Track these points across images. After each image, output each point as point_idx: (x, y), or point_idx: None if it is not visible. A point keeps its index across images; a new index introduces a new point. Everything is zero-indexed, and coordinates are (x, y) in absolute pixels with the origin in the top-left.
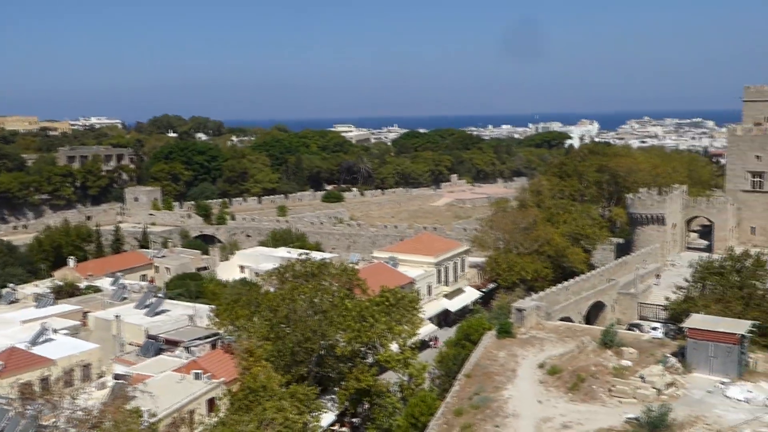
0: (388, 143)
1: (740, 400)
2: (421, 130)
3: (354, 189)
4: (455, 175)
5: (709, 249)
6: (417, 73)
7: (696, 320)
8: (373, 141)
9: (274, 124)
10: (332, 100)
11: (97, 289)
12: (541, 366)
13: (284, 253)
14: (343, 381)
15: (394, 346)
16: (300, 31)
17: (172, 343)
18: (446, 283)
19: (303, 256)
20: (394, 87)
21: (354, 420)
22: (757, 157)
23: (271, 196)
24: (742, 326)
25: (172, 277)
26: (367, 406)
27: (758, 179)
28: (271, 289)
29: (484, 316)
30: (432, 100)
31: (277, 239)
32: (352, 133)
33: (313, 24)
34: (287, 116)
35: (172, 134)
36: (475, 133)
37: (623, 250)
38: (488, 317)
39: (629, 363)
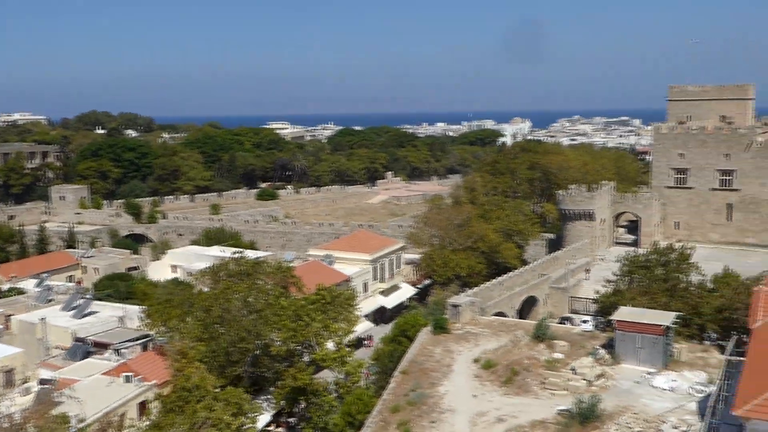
0: (324, 141)
1: (665, 389)
2: (357, 128)
3: (289, 187)
4: (390, 172)
5: (635, 243)
6: (355, 71)
7: (623, 313)
8: (308, 138)
9: (207, 121)
10: (267, 96)
11: (20, 291)
12: (476, 361)
13: (218, 252)
14: (279, 381)
15: (330, 345)
16: (236, 26)
17: (101, 346)
18: (382, 280)
19: (237, 255)
20: (331, 84)
21: (290, 420)
22: (681, 154)
23: (204, 195)
24: (667, 318)
25: (101, 278)
26: (303, 405)
27: (682, 176)
28: (205, 289)
29: (420, 312)
30: (368, 97)
31: (211, 238)
32: (287, 130)
33: (252, 19)
34: (220, 113)
35: (100, 131)
36: (410, 130)
37: (554, 246)
38: (424, 313)
39: (561, 356)
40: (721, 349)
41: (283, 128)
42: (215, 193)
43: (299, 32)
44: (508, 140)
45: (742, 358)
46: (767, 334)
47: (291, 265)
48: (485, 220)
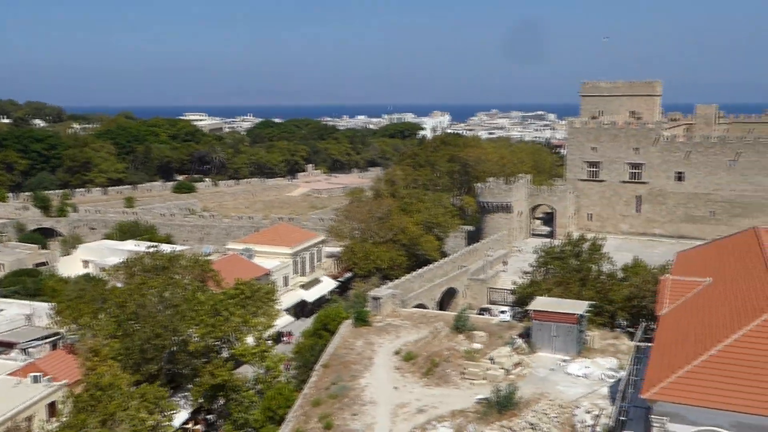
0: (242, 133)
1: (579, 376)
2: (276, 120)
3: (207, 179)
4: (311, 165)
5: (551, 235)
6: (275, 61)
7: (539, 303)
8: (226, 130)
9: (120, 111)
10: (184, 87)
11: None
12: (397, 353)
13: (132, 246)
14: (196, 377)
15: (250, 339)
16: (152, 13)
17: (7, 345)
18: (303, 274)
19: (152, 249)
20: (251, 75)
21: (209, 417)
22: (593, 148)
23: (118, 187)
24: (580, 307)
25: (7, 274)
26: (222, 401)
27: (594, 169)
28: (118, 285)
29: (341, 305)
30: (288, 90)
31: (125, 232)
32: (205, 122)
33: (167, 6)
34: (134, 104)
35: (5, 120)
36: (330, 123)
37: (473, 238)
38: (345, 306)
39: (480, 346)
40: (631, 336)
41: (200, 120)
42: (130, 186)
43: (217, 22)
44: (428, 133)
45: (649, 344)
46: (673, 320)
47: (209, 259)
48: (406, 212)
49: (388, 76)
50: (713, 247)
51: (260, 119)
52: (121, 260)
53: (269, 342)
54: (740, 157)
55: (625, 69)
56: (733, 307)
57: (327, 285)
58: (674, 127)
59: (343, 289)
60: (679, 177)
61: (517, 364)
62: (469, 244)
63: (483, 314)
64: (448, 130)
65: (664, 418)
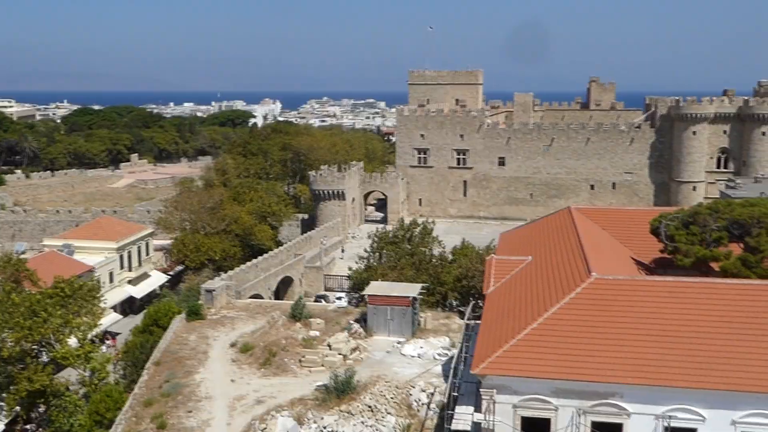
0: (57, 120)
1: (414, 356)
2: (96, 107)
3: (18, 171)
4: (136, 154)
5: (384, 221)
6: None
7: (374, 287)
8: (39, 118)
9: None
10: None
11: None
12: (233, 345)
13: None
14: (12, 385)
15: (72, 341)
16: None
17: None
18: (130, 269)
19: None
20: (64, 57)
21: (28, 426)
22: (422, 135)
23: None
24: (413, 289)
25: None
26: (43, 408)
27: (423, 155)
28: None
29: (173, 299)
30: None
31: None
32: (13, 108)
33: None
34: None
35: None
36: (155, 110)
37: (308, 226)
38: (177, 300)
39: (317, 333)
40: (462, 315)
41: (7, 106)
42: None
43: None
44: (259, 121)
45: (478, 322)
46: (498, 298)
47: (23, 257)
48: (238, 202)
49: (217, 62)
50: (533, 227)
51: (77, 106)
52: None
53: (95, 342)
54: (554, 142)
55: (453, 58)
56: (551, 282)
57: (157, 279)
58: (496, 114)
59: (174, 282)
60: (501, 162)
61: (354, 349)
62: (303, 232)
63: (320, 301)
64: (280, 118)
65: (492, 390)
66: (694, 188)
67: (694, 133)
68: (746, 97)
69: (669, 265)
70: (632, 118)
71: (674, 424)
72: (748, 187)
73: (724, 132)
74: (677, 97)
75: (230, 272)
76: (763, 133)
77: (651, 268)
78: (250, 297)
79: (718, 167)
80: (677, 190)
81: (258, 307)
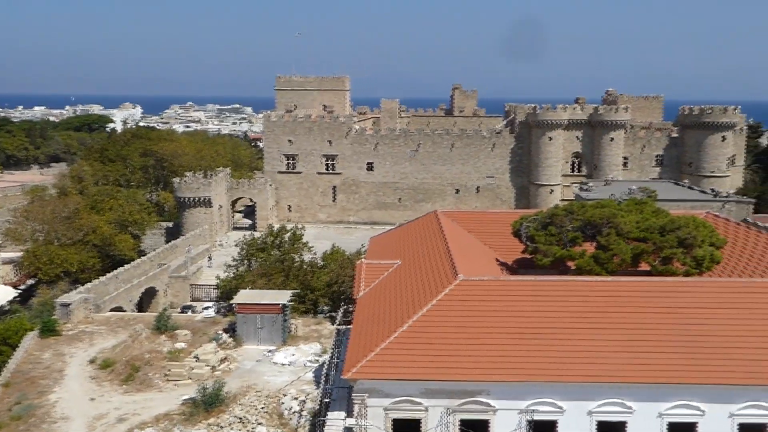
0: None
1: (285, 364)
2: None
3: None
4: None
5: (253, 227)
6: None
7: (244, 295)
8: None
9: None
10: None
11: None
12: (92, 361)
13: None
14: None
15: None
16: None
17: None
18: None
19: None
20: None
21: None
22: (290, 141)
23: None
24: (283, 296)
25: None
26: None
27: (292, 161)
28: None
29: (24, 315)
30: None
31: None
32: None
33: None
34: None
35: None
36: (1, 114)
37: (173, 234)
38: (29, 317)
39: (184, 345)
40: (333, 320)
41: None
42: None
43: None
44: (118, 126)
45: (349, 326)
46: (368, 302)
47: None
48: (97, 211)
49: (70, 63)
50: (401, 231)
51: None
52: None
53: None
54: (420, 148)
55: (318, 63)
56: (419, 285)
57: (5, 294)
58: (363, 120)
59: (25, 298)
60: (370, 167)
61: (223, 360)
62: (168, 241)
63: (186, 312)
64: (141, 123)
65: (364, 394)
66: (552, 191)
67: (550, 138)
68: (596, 105)
69: (530, 265)
70: (493, 124)
71: (536, 417)
72: (599, 189)
73: (577, 137)
74: (534, 105)
75: (88, 285)
76: (612, 139)
77: (514, 269)
78: (111, 310)
79: (573, 171)
80: (536, 193)
81: (119, 320)
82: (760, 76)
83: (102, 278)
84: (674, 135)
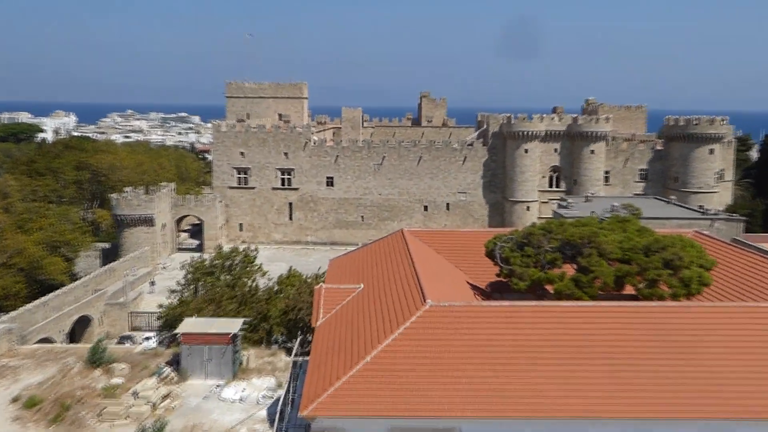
0: None
1: (235, 401)
2: None
3: None
4: None
5: (200, 248)
6: None
7: (189, 324)
8: None
9: None
10: None
11: None
12: (15, 400)
13: None
14: None
15: None
16: None
17: None
18: None
19: None
20: None
21: None
22: (242, 153)
23: None
24: (234, 325)
25: None
26: None
27: (244, 175)
28: None
29: None
30: None
31: None
32: None
33: None
34: None
35: None
36: None
37: (110, 256)
38: None
39: (121, 380)
40: (289, 351)
41: None
42: None
43: None
44: (49, 136)
45: (307, 358)
46: (328, 330)
47: None
48: (23, 231)
49: None
50: (364, 252)
51: None
52: None
53: None
54: (385, 161)
55: (274, 69)
56: (384, 312)
57: None
58: (323, 130)
59: None
60: (330, 182)
61: (165, 396)
62: (104, 263)
63: (125, 343)
64: (75, 133)
65: None
66: (528, 208)
67: (526, 151)
68: (575, 115)
69: (505, 289)
70: (464, 135)
71: None
72: (579, 206)
73: (555, 150)
74: (508, 114)
75: (12, 313)
76: (592, 151)
77: (487, 293)
78: (39, 341)
79: (551, 186)
80: (511, 210)
81: (48, 352)
82: (748, 85)
83: (29, 306)
84: (659, 148)
